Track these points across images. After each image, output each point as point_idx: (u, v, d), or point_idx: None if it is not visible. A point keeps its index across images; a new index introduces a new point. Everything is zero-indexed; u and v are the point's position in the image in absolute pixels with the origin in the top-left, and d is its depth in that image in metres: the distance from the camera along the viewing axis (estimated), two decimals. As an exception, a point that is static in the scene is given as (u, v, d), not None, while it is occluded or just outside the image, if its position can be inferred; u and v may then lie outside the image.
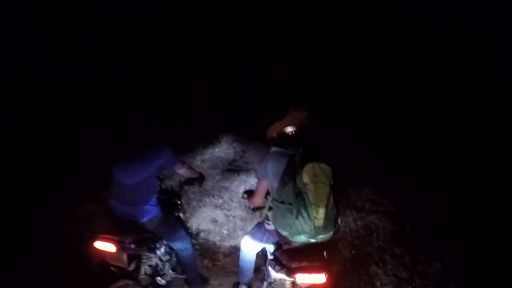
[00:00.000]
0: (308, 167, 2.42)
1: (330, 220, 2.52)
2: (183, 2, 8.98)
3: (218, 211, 5.47)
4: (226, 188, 6.18)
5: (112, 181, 3.09)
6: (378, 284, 3.78)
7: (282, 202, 2.56)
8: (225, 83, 9.27)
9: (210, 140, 7.98)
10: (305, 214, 2.44)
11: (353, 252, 4.30)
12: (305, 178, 2.42)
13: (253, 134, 7.41)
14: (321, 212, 2.41)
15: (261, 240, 3.11)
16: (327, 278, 2.52)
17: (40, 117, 6.66)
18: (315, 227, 2.45)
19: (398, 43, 8.31)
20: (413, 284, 3.72)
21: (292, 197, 2.49)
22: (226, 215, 5.38)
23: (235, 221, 5.23)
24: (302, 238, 2.55)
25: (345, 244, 4.50)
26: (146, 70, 8.30)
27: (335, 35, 8.96)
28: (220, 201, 5.77)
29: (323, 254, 2.75)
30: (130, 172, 2.98)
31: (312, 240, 2.56)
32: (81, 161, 5.86)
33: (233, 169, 6.91)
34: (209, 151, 7.60)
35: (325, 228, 2.50)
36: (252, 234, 3.21)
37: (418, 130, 7.05)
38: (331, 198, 2.48)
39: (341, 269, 4.02)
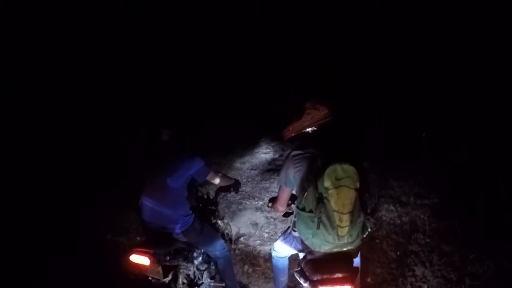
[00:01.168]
0: (329, 170, 2.17)
1: (356, 228, 2.33)
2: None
3: (258, 214, 5.42)
4: (266, 189, 6.14)
5: (142, 195, 3.09)
6: (425, 287, 3.57)
7: (303, 209, 2.38)
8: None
9: (249, 141, 7.97)
10: (327, 222, 2.24)
11: (398, 253, 4.11)
12: (327, 182, 2.18)
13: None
14: (345, 219, 2.21)
15: (290, 245, 2.92)
16: None
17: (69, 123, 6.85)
18: (338, 236, 2.26)
19: (399, 43, 8.06)
20: (463, 286, 3.48)
21: (313, 204, 2.29)
22: (267, 217, 5.31)
23: (275, 223, 5.14)
24: (324, 248, 2.37)
25: (390, 243, 4.32)
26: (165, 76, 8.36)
27: (336, 34, 8.81)
28: (261, 203, 5.72)
29: (351, 262, 2.50)
30: (159, 185, 2.96)
31: (337, 250, 2.37)
32: (120, 169, 5.96)
33: (273, 169, 6.85)
34: (248, 152, 7.59)
35: (350, 236, 2.30)
36: (283, 238, 3.03)
37: (465, 118, 6.70)
38: (357, 203, 2.27)
39: (385, 271, 3.85)
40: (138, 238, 4.68)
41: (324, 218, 2.24)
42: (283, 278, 3.30)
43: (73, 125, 6.89)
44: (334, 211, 2.20)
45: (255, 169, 6.91)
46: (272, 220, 5.20)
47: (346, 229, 2.24)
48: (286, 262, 3.19)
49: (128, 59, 8.13)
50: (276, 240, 3.15)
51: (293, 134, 2.65)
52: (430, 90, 7.55)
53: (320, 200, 2.24)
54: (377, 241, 4.36)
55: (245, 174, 6.77)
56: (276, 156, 7.45)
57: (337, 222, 2.21)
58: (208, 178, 3.19)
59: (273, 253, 3.17)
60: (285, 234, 3.00)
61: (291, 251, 2.99)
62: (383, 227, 4.61)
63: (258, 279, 4.10)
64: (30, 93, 6.44)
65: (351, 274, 2.36)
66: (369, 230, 2.48)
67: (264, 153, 7.61)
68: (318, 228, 2.27)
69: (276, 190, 5.76)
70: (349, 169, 2.20)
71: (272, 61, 9.92)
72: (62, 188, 5.60)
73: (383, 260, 4.02)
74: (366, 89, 8.30)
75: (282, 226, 5.00)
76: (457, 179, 5.38)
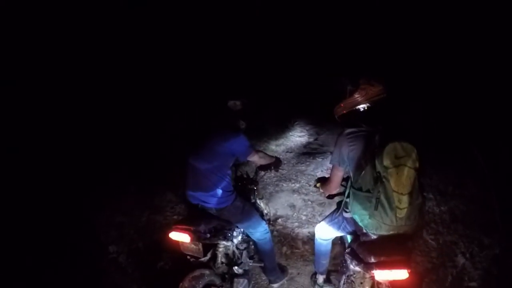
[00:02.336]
0: (389, 148, 2.09)
1: (415, 210, 2.21)
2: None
3: (295, 196, 5.43)
4: (302, 172, 6.13)
5: (187, 169, 3.08)
6: (466, 278, 3.50)
7: (360, 189, 2.30)
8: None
9: (284, 124, 7.96)
10: (385, 203, 2.15)
11: (441, 241, 4.03)
12: (386, 160, 2.09)
13: (326, 116, 7.26)
14: (404, 200, 2.12)
15: (338, 227, 2.86)
16: (410, 274, 2.21)
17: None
18: (396, 218, 2.16)
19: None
20: (504, 282, 3.38)
21: (370, 183, 2.20)
22: (304, 200, 5.31)
23: (313, 206, 5.14)
24: (381, 230, 2.27)
25: (430, 231, 4.23)
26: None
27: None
28: (297, 185, 5.72)
29: (406, 246, 2.41)
30: (204, 159, 2.95)
31: (393, 232, 2.27)
32: (155, 151, 5.97)
33: (308, 152, 6.85)
34: (283, 135, 7.58)
35: (408, 218, 2.19)
36: (329, 220, 2.96)
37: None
38: (416, 183, 2.16)
39: (426, 260, 3.81)
40: (175, 217, 4.76)
41: (383, 199, 2.16)
42: (325, 261, 3.29)
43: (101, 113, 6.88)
44: (394, 191, 2.11)
45: (290, 152, 6.91)
46: (309, 203, 5.20)
47: (405, 211, 2.15)
48: (330, 245, 3.17)
49: (136, 56, 8.07)
50: (320, 222, 3.12)
51: (345, 111, 2.57)
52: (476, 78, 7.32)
53: (379, 179, 2.15)
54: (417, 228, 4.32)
55: (281, 156, 6.71)
56: (311, 139, 7.43)
57: (396, 203, 2.13)
58: (249, 157, 3.14)
59: (317, 235, 3.15)
60: (333, 216, 2.94)
61: (336, 233, 2.96)
62: (423, 219, 4.56)
63: (297, 261, 4.13)
64: (41, 90, 6.42)
65: (408, 257, 2.29)
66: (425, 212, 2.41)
67: (299, 136, 7.60)
68: (376, 209, 2.18)
69: (312, 173, 5.89)
70: (409, 147, 2.12)
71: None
72: (94, 172, 5.64)
73: (423, 249, 3.96)
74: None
75: (320, 209, 5.01)
76: (499, 170, 5.25)
